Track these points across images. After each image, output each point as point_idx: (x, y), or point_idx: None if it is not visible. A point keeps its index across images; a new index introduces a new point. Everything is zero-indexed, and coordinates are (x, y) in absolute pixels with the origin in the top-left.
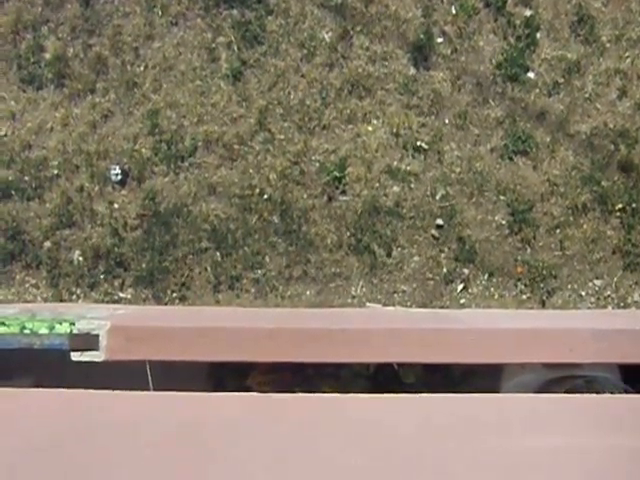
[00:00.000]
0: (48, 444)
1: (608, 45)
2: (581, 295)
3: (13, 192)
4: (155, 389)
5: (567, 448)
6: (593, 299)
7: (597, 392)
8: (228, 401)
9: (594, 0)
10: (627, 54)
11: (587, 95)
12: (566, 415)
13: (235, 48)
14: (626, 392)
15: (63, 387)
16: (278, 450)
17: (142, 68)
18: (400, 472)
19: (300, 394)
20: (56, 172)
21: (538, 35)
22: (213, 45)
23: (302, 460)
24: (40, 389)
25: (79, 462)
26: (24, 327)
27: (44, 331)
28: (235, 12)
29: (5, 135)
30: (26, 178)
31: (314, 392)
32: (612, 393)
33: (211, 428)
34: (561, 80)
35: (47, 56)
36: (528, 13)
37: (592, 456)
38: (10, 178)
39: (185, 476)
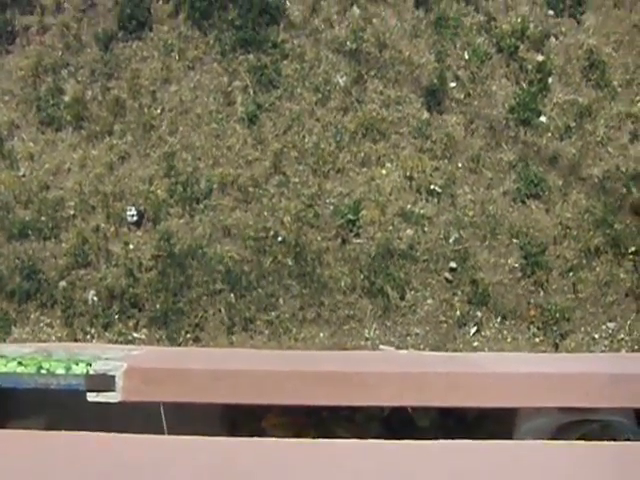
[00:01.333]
0: None
1: (619, 89)
2: (594, 338)
3: (30, 232)
4: (169, 430)
5: None
6: (607, 342)
7: (612, 437)
8: (244, 447)
9: (605, 45)
10: (638, 98)
11: (599, 139)
12: (582, 463)
13: (251, 92)
14: None
15: (77, 428)
16: None
17: (159, 111)
18: None
19: (317, 440)
20: (73, 212)
21: (550, 80)
22: (229, 89)
23: None
24: (58, 432)
25: None
26: (41, 367)
27: (61, 371)
28: (251, 56)
29: (24, 175)
30: (43, 218)
31: (328, 435)
32: (628, 438)
33: (227, 474)
34: (573, 124)
35: (66, 98)
36: (540, 58)
37: None
38: (27, 218)
39: None
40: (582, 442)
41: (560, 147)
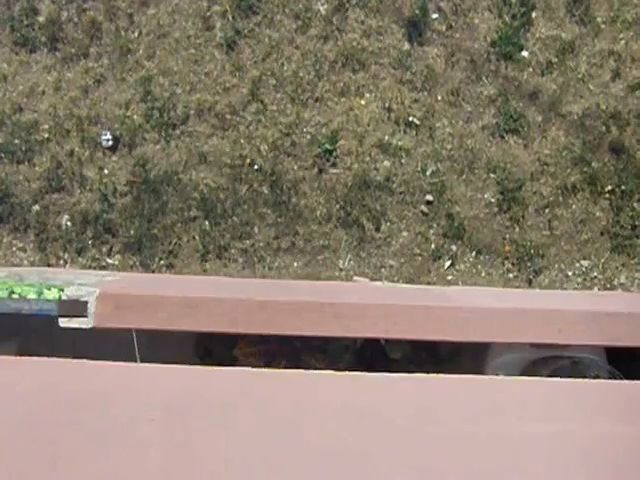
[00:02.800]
0: (34, 414)
1: (603, 26)
2: (568, 275)
3: (2, 155)
4: (141, 358)
5: (553, 434)
6: (580, 280)
7: (583, 374)
8: (216, 375)
9: None
10: (622, 36)
11: (580, 76)
12: (553, 400)
13: (230, 17)
14: (611, 374)
15: (49, 354)
16: (268, 430)
17: (136, 34)
18: (392, 455)
19: (288, 370)
20: (46, 136)
21: (533, 14)
22: (208, 14)
23: (292, 443)
24: (28, 357)
25: (66, 433)
26: (12, 291)
27: (33, 296)
28: None
29: None
30: (16, 141)
31: (301, 365)
32: (597, 375)
33: (199, 404)
34: (555, 60)
35: (41, 19)
36: None
37: (576, 442)
38: (0, 141)
39: (173, 450)
40: (553, 379)
41: (541, 83)
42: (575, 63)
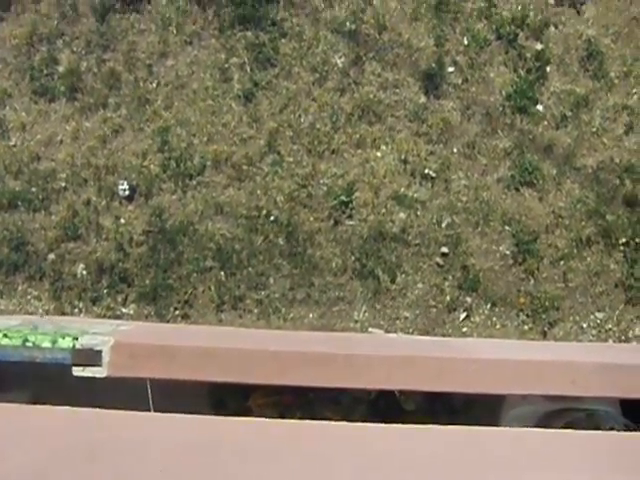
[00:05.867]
0: (48, 462)
1: (616, 81)
2: (582, 327)
3: (20, 203)
4: (155, 407)
5: None
6: (594, 332)
7: (597, 426)
8: (230, 425)
9: (604, 36)
10: (635, 90)
11: (594, 129)
12: (566, 452)
13: (248, 69)
14: (626, 427)
15: (62, 402)
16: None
17: (154, 85)
18: None
19: (302, 421)
20: (64, 185)
21: (548, 69)
22: (226, 65)
23: None
24: (42, 406)
25: None
26: (26, 340)
27: (47, 345)
28: (249, 34)
29: (15, 145)
30: (33, 189)
31: (315, 416)
32: (612, 427)
33: (213, 453)
34: (569, 114)
35: (60, 69)
36: (539, 47)
37: None
38: (17, 189)
39: None
40: (567, 430)
41: (555, 136)
42: (589, 117)
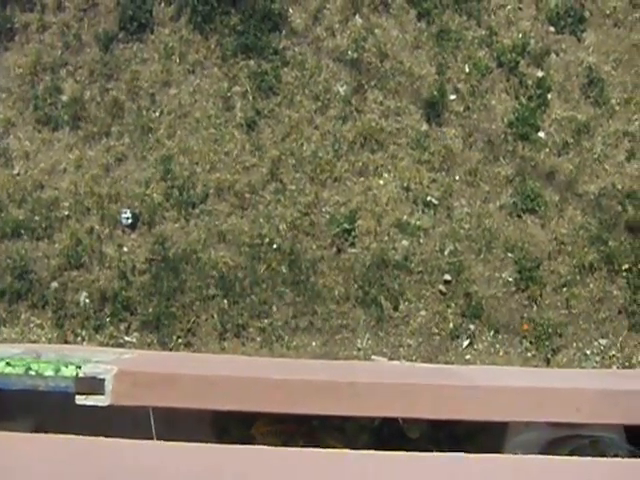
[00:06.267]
0: None
1: (617, 108)
2: (586, 354)
3: (23, 231)
4: (158, 435)
5: None
6: (598, 358)
7: (602, 453)
8: (233, 454)
9: (604, 64)
10: (636, 117)
11: (596, 156)
12: (572, 479)
13: (250, 98)
14: (631, 453)
15: (65, 431)
16: None
17: (157, 114)
18: None
19: (306, 449)
20: (67, 213)
21: (549, 96)
22: (229, 94)
23: None
24: (45, 435)
25: None
26: (29, 368)
27: (50, 373)
28: (252, 62)
29: (18, 174)
30: (37, 218)
31: (318, 444)
32: (617, 454)
33: None
34: (571, 140)
35: (64, 98)
36: (540, 74)
37: None
38: (21, 217)
39: None
40: (572, 457)
41: (557, 163)
42: (591, 144)
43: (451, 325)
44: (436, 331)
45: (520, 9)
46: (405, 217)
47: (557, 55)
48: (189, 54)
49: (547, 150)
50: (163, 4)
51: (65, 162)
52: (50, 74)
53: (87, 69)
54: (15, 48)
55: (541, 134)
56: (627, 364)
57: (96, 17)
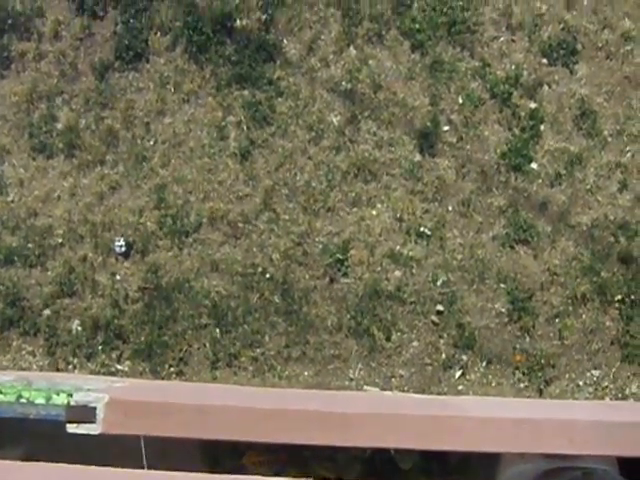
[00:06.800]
0: None
1: (609, 139)
2: (579, 385)
3: (16, 258)
4: (149, 464)
5: None
6: (591, 389)
7: None
8: None
9: (597, 95)
10: (628, 148)
11: (588, 187)
12: None
13: (244, 127)
14: None
15: (56, 459)
16: None
17: (152, 143)
18: None
19: (297, 479)
20: (60, 241)
21: (542, 127)
22: (223, 123)
23: None
24: (35, 463)
25: None
26: (20, 396)
27: (41, 401)
28: (246, 92)
29: (12, 201)
30: (30, 245)
31: (310, 475)
32: None
33: None
34: (563, 172)
35: (59, 126)
36: (533, 106)
37: None
38: (14, 244)
39: None
40: None
41: (550, 194)
42: (583, 175)
43: (443, 356)
44: (428, 362)
45: (513, 41)
46: (398, 247)
47: (550, 87)
48: (184, 83)
49: (540, 181)
50: (159, 34)
51: (59, 190)
52: (46, 102)
53: (82, 97)
54: (11, 76)
55: (534, 165)
56: (620, 395)
57: (92, 46)
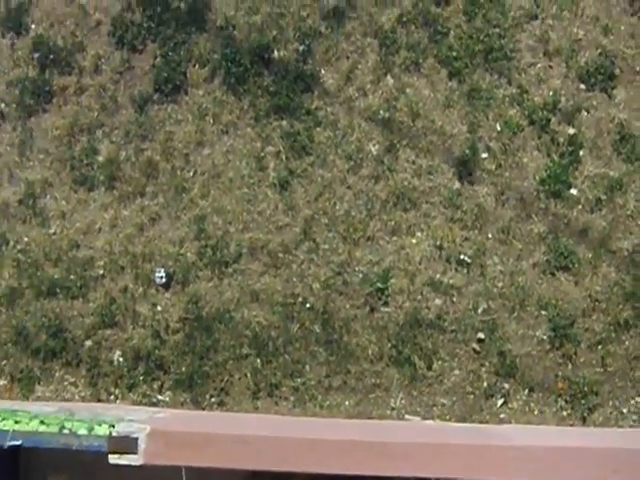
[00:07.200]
0: None
1: None
2: (623, 412)
3: (58, 290)
4: None
5: None
6: (635, 417)
7: None
8: None
9: (636, 119)
10: None
11: (629, 212)
12: None
13: (283, 158)
14: None
15: None
16: None
17: (191, 174)
18: None
19: None
20: (101, 272)
21: (581, 153)
22: (262, 154)
23: None
24: None
25: None
26: (63, 427)
27: (83, 432)
28: (284, 123)
29: (54, 233)
30: (72, 277)
31: None
32: None
33: None
34: (603, 197)
35: (100, 159)
36: (571, 131)
37: None
38: (56, 276)
39: None
40: None
41: (590, 220)
42: (623, 200)
43: (485, 384)
44: (470, 390)
45: (550, 67)
46: (438, 276)
47: (588, 112)
48: (222, 115)
49: (580, 207)
50: (197, 66)
51: (100, 222)
52: (87, 135)
53: (123, 130)
54: (53, 110)
55: (573, 191)
56: None
57: (132, 79)
